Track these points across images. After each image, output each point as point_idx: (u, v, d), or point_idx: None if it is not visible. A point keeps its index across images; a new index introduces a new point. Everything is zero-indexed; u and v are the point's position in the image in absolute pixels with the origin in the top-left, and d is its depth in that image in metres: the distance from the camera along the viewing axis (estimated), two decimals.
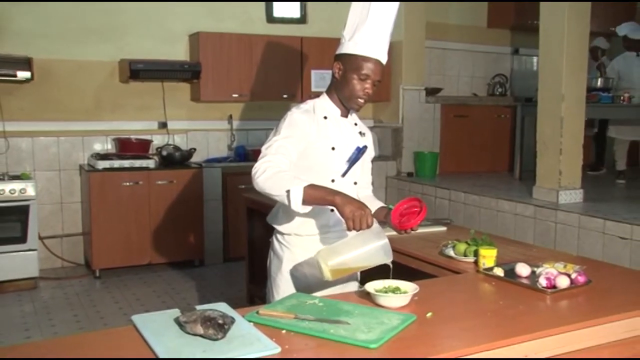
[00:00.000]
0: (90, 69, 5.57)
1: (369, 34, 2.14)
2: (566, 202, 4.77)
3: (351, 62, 2.14)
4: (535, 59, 7.48)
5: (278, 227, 2.26)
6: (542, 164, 4.99)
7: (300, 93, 6.05)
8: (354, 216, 1.86)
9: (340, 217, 1.94)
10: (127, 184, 5.25)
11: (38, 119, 5.41)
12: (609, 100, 5.97)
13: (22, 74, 5.02)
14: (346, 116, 2.27)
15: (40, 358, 1.50)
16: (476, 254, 2.37)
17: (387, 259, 1.91)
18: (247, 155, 6.04)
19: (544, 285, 2.02)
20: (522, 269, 2.16)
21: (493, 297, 2.05)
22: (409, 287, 1.92)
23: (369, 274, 2.11)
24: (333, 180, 2.18)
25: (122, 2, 5.59)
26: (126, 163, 5.33)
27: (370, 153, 2.34)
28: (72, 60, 5.50)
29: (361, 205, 1.89)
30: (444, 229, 3.09)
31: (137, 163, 5.38)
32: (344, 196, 1.92)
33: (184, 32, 5.86)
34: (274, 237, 2.32)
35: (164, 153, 5.59)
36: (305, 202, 1.90)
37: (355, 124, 2.30)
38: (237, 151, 6.09)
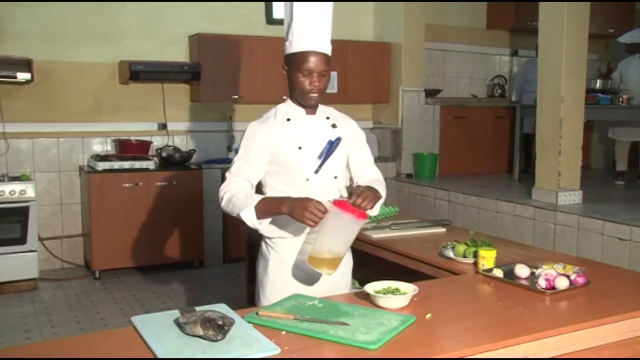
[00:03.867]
0: (90, 71, 5.57)
1: (300, 29, 2.14)
2: (565, 203, 4.78)
3: (292, 62, 2.15)
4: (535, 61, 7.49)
5: (262, 232, 2.22)
6: (542, 165, 4.99)
7: None
8: (305, 215, 1.92)
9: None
10: (127, 185, 5.25)
11: (38, 120, 5.41)
12: (608, 101, 5.98)
13: (22, 76, 5.02)
14: (314, 113, 2.25)
15: (40, 358, 1.50)
16: (475, 255, 2.37)
17: (361, 222, 1.96)
18: None
19: (543, 286, 2.03)
20: (522, 270, 2.16)
21: (492, 298, 2.05)
22: (409, 288, 1.92)
23: (367, 276, 2.11)
24: (308, 179, 2.17)
25: (122, 2, 5.59)
26: (126, 164, 5.33)
27: (355, 141, 2.31)
28: (72, 62, 5.50)
29: (304, 202, 1.94)
30: (443, 230, 3.10)
31: (137, 164, 5.38)
32: (288, 202, 1.99)
33: (183, 33, 5.86)
34: (262, 241, 2.31)
35: (164, 154, 5.59)
36: (260, 217, 2.04)
37: (328, 118, 2.27)
38: (237, 152, 6.07)
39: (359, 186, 2.05)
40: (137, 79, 5.44)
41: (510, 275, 2.17)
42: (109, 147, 5.71)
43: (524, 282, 2.11)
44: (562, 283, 2.03)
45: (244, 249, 4.42)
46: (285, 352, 1.53)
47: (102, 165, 5.23)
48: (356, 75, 6.31)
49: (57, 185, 5.55)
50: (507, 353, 1.63)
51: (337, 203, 1.95)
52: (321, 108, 2.28)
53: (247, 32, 5.97)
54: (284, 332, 1.65)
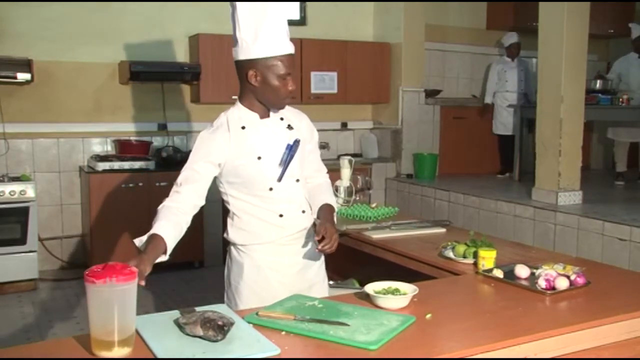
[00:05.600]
0: (90, 71, 5.57)
1: (274, 31, 2.02)
2: (565, 203, 4.78)
3: (267, 66, 2.02)
4: (534, 61, 7.48)
5: (233, 241, 2.20)
6: (541, 166, 4.99)
7: (300, 95, 6.06)
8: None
9: (291, 221, 2.14)
10: (127, 185, 5.26)
11: (38, 120, 5.41)
12: (607, 102, 5.98)
13: (22, 76, 5.03)
14: (268, 115, 2.14)
15: (40, 358, 1.50)
16: (475, 255, 2.37)
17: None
18: None
19: (543, 286, 2.03)
20: (522, 271, 2.16)
21: (492, 299, 2.05)
22: (408, 289, 1.92)
23: (367, 276, 2.11)
24: (271, 189, 2.10)
25: (122, 2, 5.59)
26: (126, 164, 5.33)
27: (310, 139, 2.25)
28: (72, 62, 5.50)
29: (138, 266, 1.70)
30: (443, 230, 3.09)
31: (137, 164, 5.38)
32: (139, 262, 1.75)
33: (183, 33, 5.87)
34: (231, 247, 2.24)
35: (164, 154, 5.59)
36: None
37: (282, 119, 2.17)
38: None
39: (321, 223, 2.06)
40: (137, 79, 5.44)
41: (510, 275, 2.17)
42: (108, 148, 5.71)
43: (524, 283, 2.11)
44: (562, 283, 2.03)
45: None
46: (285, 352, 1.53)
47: (102, 166, 5.23)
48: (356, 76, 6.31)
49: (57, 185, 5.55)
50: (507, 353, 1.63)
51: (92, 273, 1.50)
52: (274, 110, 2.17)
53: None
54: (283, 333, 1.65)
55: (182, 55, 5.88)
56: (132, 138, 5.70)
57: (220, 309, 1.73)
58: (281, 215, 2.14)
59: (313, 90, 6.09)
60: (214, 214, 5.60)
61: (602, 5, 6.70)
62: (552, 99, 4.84)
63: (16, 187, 4.81)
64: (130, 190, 5.26)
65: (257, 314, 1.75)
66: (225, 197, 2.20)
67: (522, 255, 2.54)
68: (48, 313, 4.42)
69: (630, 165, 6.60)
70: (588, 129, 6.66)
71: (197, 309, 1.68)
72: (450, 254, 2.51)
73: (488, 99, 6.93)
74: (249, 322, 1.69)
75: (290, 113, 2.22)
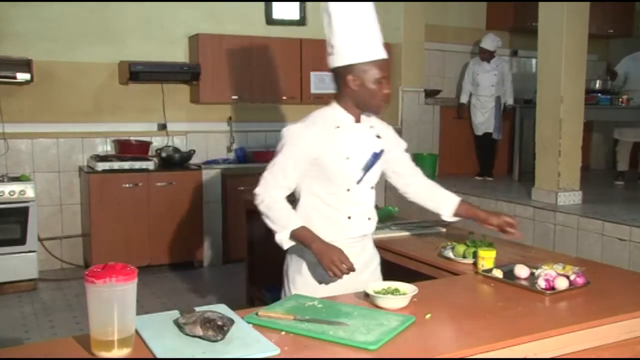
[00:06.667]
0: (89, 71, 5.57)
1: (369, 37, 2.14)
2: (565, 203, 4.78)
3: (365, 71, 2.12)
4: (534, 61, 7.48)
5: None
6: (541, 166, 5.00)
7: (299, 95, 6.06)
8: (329, 266, 2.02)
9: (357, 224, 2.21)
10: (127, 185, 5.26)
11: (38, 120, 5.41)
12: (607, 102, 5.98)
13: (22, 76, 5.03)
14: (359, 121, 2.25)
15: (40, 358, 1.50)
16: (475, 255, 2.37)
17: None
18: (247, 157, 6.04)
19: (543, 286, 2.03)
20: (521, 271, 2.16)
21: (492, 299, 2.05)
22: (408, 289, 1.92)
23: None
24: (349, 190, 2.19)
25: (122, 2, 5.59)
26: (126, 165, 5.33)
27: (398, 147, 2.40)
28: (71, 62, 5.50)
29: (332, 251, 2.03)
30: (443, 230, 3.10)
31: (137, 165, 5.38)
32: (319, 244, 2.06)
33: (183, 34, 5.87)
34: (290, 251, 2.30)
35: (164, 155, 5.59)
36: (292, 239, 2.12)
37: (372, 127, 2.28)
38: (237, 153, 6.09)
39: (493, 214, 2.39)
40: (137, 80, 5.44)
41: (510, 275, 2.17)
42: (108, 148, 5.71)
43: (523, 283, 2.11)
44: (561, 283, 2.03)
45: (244, 249, 4.43)
46: (285, 352, 1.52)
47: (101, 166, 5.23)
48: None
49: (57, 185, 5.55)
50: (507, 353, 1.63)
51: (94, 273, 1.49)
52: (363, 116, 2.27)
53: (246, 32, 5.97)
54: (283, 333, 1.65)
55: (181, 55, 5.88)
56: (131, 138, 5.70)
57: (220, 309, 1.73)
58: (349, 217, 2.22)
59: (313, 91, 6.09)
60: (214, 215, 5.61)
61: (602, 5, 6.70)
62: (552, 99, 4.84)
63: (16, 187, 4.81)
64: (129, 190, 5.26)
65: (256, 314, 1.75)
66: (299, 190, 2.24)
67: (522, 255, 2.54)
68: (48, 313, 4.42)
69: (631, 165, 6.60)
70: (588, 129, 6.66)
71: (197, 309, 1.68)
72: (450, 254, 2.51)
73: (463, 99, 6.77)
74: (249, 322, 1.69)
75: (379, 123, 2.34)
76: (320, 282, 2.21)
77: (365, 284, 2.20)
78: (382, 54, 2.15)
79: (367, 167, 2.21)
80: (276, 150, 2.20)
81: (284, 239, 2.12)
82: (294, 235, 2.10)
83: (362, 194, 2.23)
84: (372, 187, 2.28)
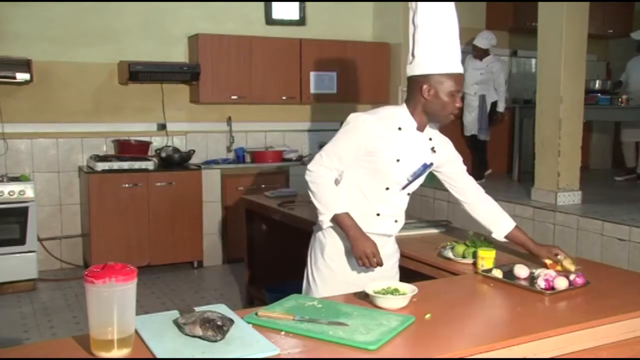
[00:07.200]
0: (89, 71, 5.57)
1: (449, 51, 2.23)
2: (565, 203, 4.78)
3: (441, 82, 2.18)
4: (533, 61, 7.48)
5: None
6: (541, 166, 4.99)
7: (299, 95, 6.06)
8: (361, 255, 2.14)
9: (384, 223, 2.30)
10: (126, 185, 5.26)
11: (37, 120, 5.41)
12: (607, 102, 5.98)
13: (22, 76, 5.03)
14: (422, 130, 2.29)
15: (40, 359, 1.50)
16: (475, 255, 2.37)
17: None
18: (246, 157, 6.05)
19: (543, 286, 2.03)
20: (521, 271, 2.16)
21: (491, 299, 2.05)
22: (408, 289, 1.92)
23: (369, 277, 2.10)
24: (388, 189, 2.26)
25: (122, 2, 5.59)
26: (125, 165, 5.33)
27: (452, 162, 2.43)
28: (71, 62, 5.50)
29: (367, 243, 2.14)
30: (442, 230, 3.10)
31: (136, 165, 5.38)
32: (357, 232, 2.16)
33: (183, 34, 5.87)
34: (316, 232, 2.40)
35: (163, 155, 5.59)
36: (332, 221, 2.21)
37: (430, 139, 2.32)
38: (236, 153, 6.09)
39: (548, 249, 2.36)
40: (137, 80, 5.44)
41: (509, 275, 2.17)
42: (108, 148, 5.71)
43: (523, 283, 2.11)
44: (561, 283, 2.04)
45: (244, 249, 4.43)
46: (285, 352, 1.53)
47: (101, 166, 5.23)
48: (355, 76, 6.30)
49: (56, 185, 5.55)
50: (507, 353, 1.63)
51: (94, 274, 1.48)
52: (427, 127, 2.32)
53: (246, 32, 5.97)
54: (283, 333, 1.65)
55: (181, 55, 5.88)
56: (131, 138, 5.70)
57: (220, 309, 1.73)
58: (378, 215, 2.30)
59: (312, 91, 6.09)
60: (213, 215, 5.61)
61: (602, 5, 6.69)
62: (552, 99, 4.84)
63: (15, 187, 4.81)
64: (129, 190, 5.26)
65: (256, 314, 1.75)
66: (341, 175, 2.29)
67: (522, 255, 2.54)
68: (47, 313, 4.42)
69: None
70: (587, 129, 6.66)
71: (197, 309, 1.68)
72: (450, 254, 2.51)
73: None
74: (249, 322, 1.69)
75: (439, 137, 2.39)
76: (341, 267, 2.31)
77: (383, 276, 2.29)
78: (460, 69, 2.24)
79: (415, 176, 2.28)
80: (338, 132, 2.26)
81: (325, 220, 2.21)
82: (336, 219, 2.19)
83: (397, 197, 2.31)
84: (408, 194, 2.35)
